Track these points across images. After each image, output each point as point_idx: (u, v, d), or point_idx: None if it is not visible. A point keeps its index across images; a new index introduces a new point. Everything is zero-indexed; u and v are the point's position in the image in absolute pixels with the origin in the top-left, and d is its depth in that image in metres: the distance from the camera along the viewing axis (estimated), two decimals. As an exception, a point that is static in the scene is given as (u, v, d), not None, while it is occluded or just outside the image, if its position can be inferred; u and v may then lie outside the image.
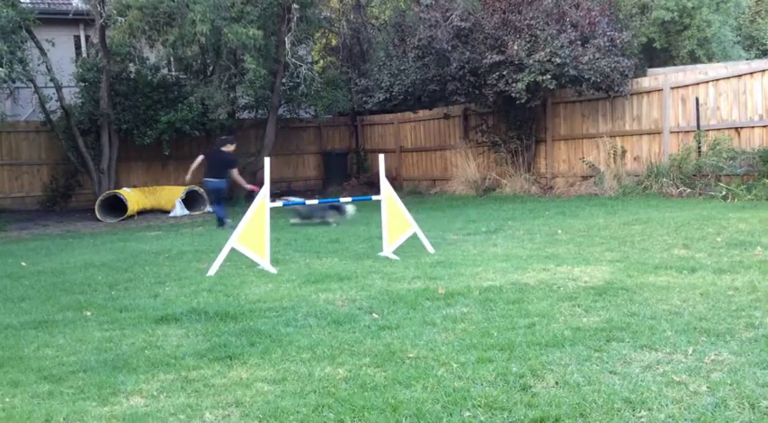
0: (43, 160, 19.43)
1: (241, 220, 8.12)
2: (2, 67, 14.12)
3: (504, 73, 15.33)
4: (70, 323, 5.95)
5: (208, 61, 18.41)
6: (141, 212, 16.98)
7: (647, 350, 4.52)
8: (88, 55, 19.42)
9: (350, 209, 13.02)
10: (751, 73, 13.71)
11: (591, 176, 15.99)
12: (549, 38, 14.97)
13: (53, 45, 17.45)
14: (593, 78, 14.75)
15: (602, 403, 3.69)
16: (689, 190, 13.58)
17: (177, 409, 3.92)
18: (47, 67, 16.91)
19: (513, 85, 15.13)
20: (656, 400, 3.71)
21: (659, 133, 15.09)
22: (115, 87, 18.08)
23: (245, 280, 7.48)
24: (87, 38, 20.98)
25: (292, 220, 13.04)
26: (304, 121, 21.73)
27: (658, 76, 15.35)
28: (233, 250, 7.98)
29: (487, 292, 6.26)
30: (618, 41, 15.31)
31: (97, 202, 16.55)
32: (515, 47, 15.13)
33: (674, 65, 18.32)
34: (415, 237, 8.93)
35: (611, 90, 15.25)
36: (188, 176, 13.20)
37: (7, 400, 4.16)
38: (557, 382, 4.02)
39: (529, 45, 15.19)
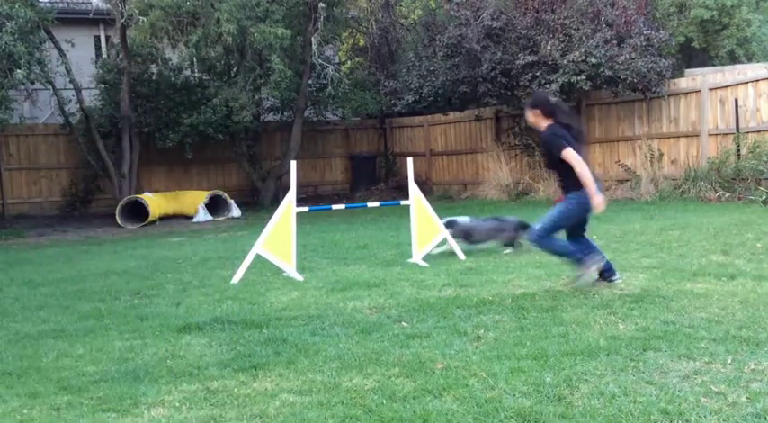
0: (62, 164, 19.27)
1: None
2: (20, 69, 13.98)
3: (538, 74, 15.16)
4: (90, 332, 5.92)
5: (232, 62, 18.23)
6: (163, 218, 16.93)
7: (685, 359, 4.44)
8: (108, 56, 19.30)
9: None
10: (792, 73, 13.43)
11: (627, 180, 15.76)
12: (583, 37, 14.79)
13: (72, 46, 17.33)
14: (629, 79, 14.54)
15: (639, 414, 3.63)
16: (728, 194, 13.32)
17: (200, 420, 3.87)
18: (66, 68, 16.73)
19: (547, 86, 14.95)
20: (693, 411, 3.64)
21: (697, 136, 14.82)
22: (136, 89, 17.96)
23: (271, 287, 7.43)
24: (108, 38, 20.83)
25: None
26: (331, 124, 21.64)
27: (696, 77, 15.09)
28: (258, 257, 7.93)
29: (520, 300, 6.18)
30: (655, 41, 15.08)
31: (118, 208, 16.33)
32: (549, 47, 14.96)
33: (713, 65, 18.04)
34: (445, 243, 8.83)
35: (648, 91, 15.02)
36: None
37: (25, 411, 4.14)
38: (591, 393, 3.95)
39: (563, 45, 15.02)
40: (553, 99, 7.14)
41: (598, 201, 6.38)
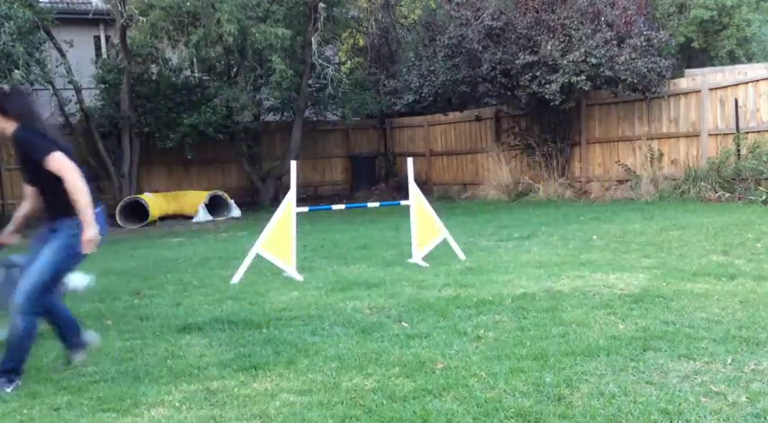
0: (62, 164, 19.34)
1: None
2: (18, 70, 13.98)
3: (538, 74, 15.15)
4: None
5: (232, 62, 18.20)
6: (163, 218, 16.89)
7: (685, 360, 4.43)
8: (108, 56, 19.27)
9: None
10: (792, 73, 13.41)
11: (627, 180, 15.75)
12: (583, 37, 14.77)
13: (72, 46, 17.30)
14: (629, 79, 14.53)
15: (639, 414, 3.63)
16: (728, 194, 13.30)
17: (200, 420, 3.88)
18: (66, 68, 16.70)
19: (547, 86, 14.95)
20: (693, 412, 3.64)
21: (697, 136, 14.81)
22: (136, 89, 17.95)
23: (271, 287, 7.42)
24: (108, 38, 20.75)
25: None
26: (331, 124, 21.62)
27: (696, 77, 15.08)
28: (258, 257, 7.93)
29: (520, 300, 6.17)
30: (655, 41, 15.05)
31: (118, 208, 16.25)
32: (549, 47, 14.95)
33: (713, 65, 18.03)
34: (445, 243, 8.83)
35: (648, 91, 15.01)
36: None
37: (25, 411, 4.14)
38: (592, 393, 3.95)
39: (563, 45, 15.00)
40: (11, 89, 5.17)
41: (89, 235, 4.54)
